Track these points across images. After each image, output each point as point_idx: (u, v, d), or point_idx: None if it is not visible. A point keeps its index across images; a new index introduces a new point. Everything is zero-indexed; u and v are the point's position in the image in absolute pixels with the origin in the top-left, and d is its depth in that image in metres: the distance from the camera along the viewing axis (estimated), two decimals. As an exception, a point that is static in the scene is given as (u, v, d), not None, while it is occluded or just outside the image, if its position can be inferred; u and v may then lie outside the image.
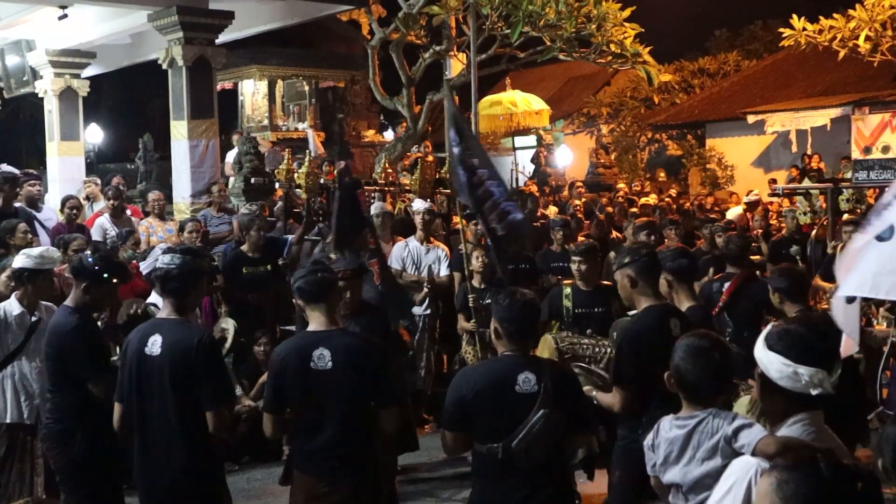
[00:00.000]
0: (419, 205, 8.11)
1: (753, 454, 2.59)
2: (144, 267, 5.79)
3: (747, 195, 15.48)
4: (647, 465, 3.07)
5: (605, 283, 6.00)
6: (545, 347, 4.77)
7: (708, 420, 2.88)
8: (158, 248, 6.30)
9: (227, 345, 6.06)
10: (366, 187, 10.72)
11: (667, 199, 13.68)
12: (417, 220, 7.87)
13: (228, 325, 6.29)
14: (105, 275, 4.42)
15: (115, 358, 4.80)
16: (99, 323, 5.10)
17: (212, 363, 3.82)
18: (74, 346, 4.29)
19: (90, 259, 4.46)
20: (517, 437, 3.29)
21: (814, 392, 2.46)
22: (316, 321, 3.75)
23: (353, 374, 3.65)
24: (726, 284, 6.01)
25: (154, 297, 5.64)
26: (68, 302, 4.45)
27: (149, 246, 8.11)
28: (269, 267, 7.70)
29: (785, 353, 2.51)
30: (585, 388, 4.14)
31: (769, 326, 2.70)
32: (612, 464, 4.08)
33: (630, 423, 3.94)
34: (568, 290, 5.91)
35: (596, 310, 5.78)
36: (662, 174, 18.24)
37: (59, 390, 4.38)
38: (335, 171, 11.51)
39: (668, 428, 2.98)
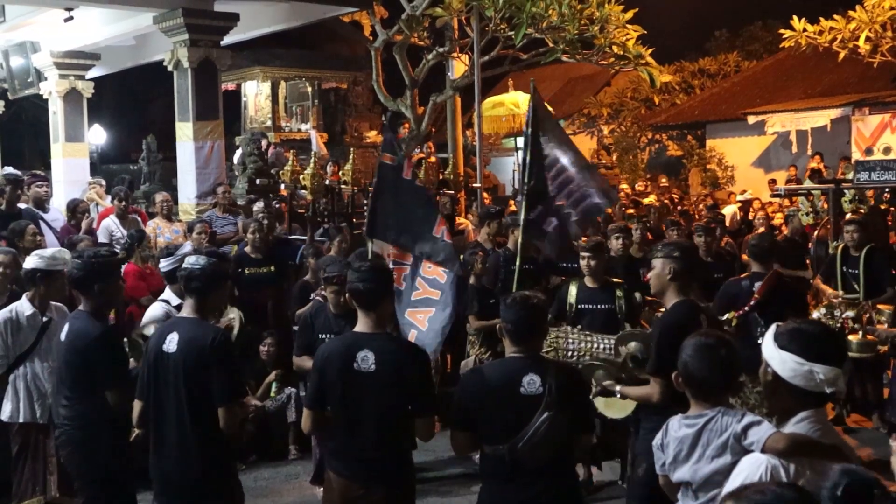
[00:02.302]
0: None
1: (763, 451, 2.63)
2: (167, 263, 5.76)
3: (741, 194, 15.59)
4: (656, 465, 3.12)
5: (615, 279, 6.06)
6: None
7: (717, 418, 2.94)
8: (187, 244, 6.33)
9: (234, 333, 6.06)
10: (370, 188, 10.78)
11: (665, 200, 13.73)
12: None
13: (234, 314, 6.30)
14: (107, 269, 4.45)
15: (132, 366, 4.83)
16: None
17: (224, 360, 3.88)
18: (100, 354, 4.29)
19: (84, 262, 4.43)
20: (522, 439, 3.33)
21: (828, 390, 2.50)
22: (363, 322, 3.75)
23: (396, 379, 3.64)
24: (756, 283, 5.97)
25: (167, 294, 5.67)
26: (84, 308, 4.42)
27: (156, 247, 8.17)
28: (271, 268, 7.76)
29: (799, 352, 2.54)
30: (607, 383, 4.16)
31: (774, 326, 2.74)
32: (636, 457, 4.09)
33: (657, 418, 3.84)
34: (574, 287, 5.97)
35: (600, 306, 5.84)
36: (664, 179, 18.23)
37: (81, 397, 4.37)
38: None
39: (677, 427, 3.03)
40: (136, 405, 4.06)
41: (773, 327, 2.71)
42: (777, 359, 2.59)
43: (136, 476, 4.79)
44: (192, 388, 3.84)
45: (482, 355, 7.01)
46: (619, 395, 4.14)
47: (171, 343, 3.90)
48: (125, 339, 5.31)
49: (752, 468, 2.44)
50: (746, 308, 5.82)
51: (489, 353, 6.95)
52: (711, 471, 2.88)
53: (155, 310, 5.42)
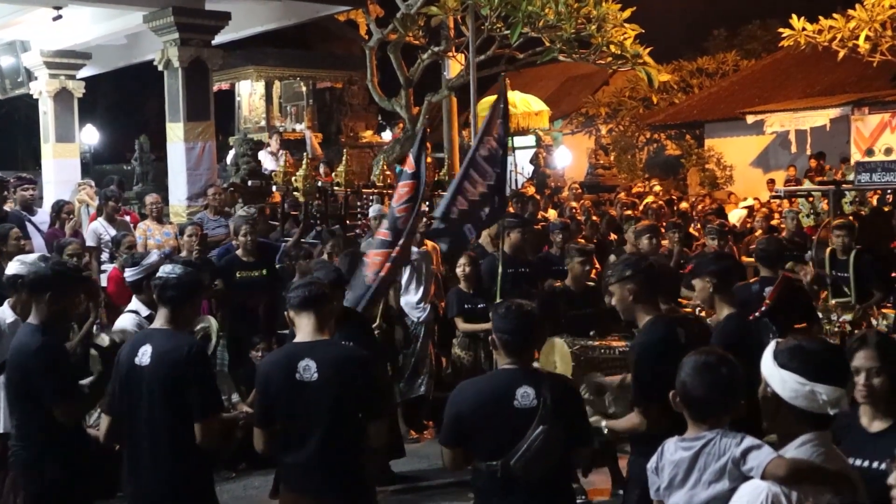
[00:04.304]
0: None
1: (763, 477, 2.50)
2: (132, 273, 5.59)
3: (744, 201, 15.52)
4: (650, 489, 2.97)
5: (590, 283, 6.17)
6: (555, 352, 4.69)
7: (715, 441, 2.77)
8: (153, 253, 6.15)
9: (213, 342, 5.93)
10: (363, 190, 10.68)
11: (660, 202, 13.59)
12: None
13: (208, 322, 6.15)
14: (65, 282, 4.18)
15: (84, 381, 4.49)
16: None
17: (201, 373, 3.77)
18: (41, 369, 3.99)
19: (47, 270, 4.24)
20: (516, 455, 3.21)
21: (831, 412, 2.37)
22: (303, 331, 3.68)
23: (340, 386, 3.55)
24: (767, 288, 5.85)
25: (135, 304, 5.51)
26: (31, 319, 4.17)
27: (146, 249, 8.02)
28: (263, 271, 7.61)
29: (801, 371, 2.42)
30: (593, 420, 4.00)
31: (774, 342, 2.61)
32: (629, 481, 3.92)
33: (649, 438, 3.70)
34: (559, 293, 5.99)
35: (586, 311, 5.86)
36: (656, 182, 18.05)
37: (24, 414, 4.13)
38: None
39: (673, 450, 2.87)
40: (104, 420, 3.93)
41: (772, 344, 2.58)
42: (777, 378, 2.46)
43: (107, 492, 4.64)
44: (167, 402, 3.71)
45: (464, 358, 7.01)
46: (605, 431, 3.96)
47: (144, 356, 3.76)
48: (92, 353, 5.06)
49: (751, 496, 2.32)
50: (757, 314, 5.69)
51: (471, 355, 6.98)
52: (708, 497, 2.71)
53: (124, 321, 5.26)
